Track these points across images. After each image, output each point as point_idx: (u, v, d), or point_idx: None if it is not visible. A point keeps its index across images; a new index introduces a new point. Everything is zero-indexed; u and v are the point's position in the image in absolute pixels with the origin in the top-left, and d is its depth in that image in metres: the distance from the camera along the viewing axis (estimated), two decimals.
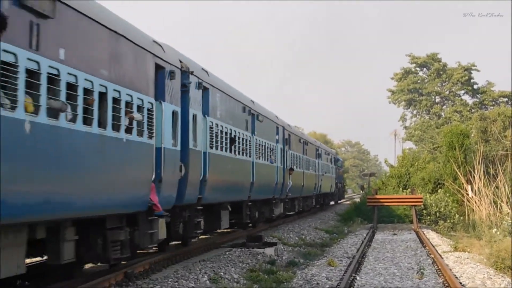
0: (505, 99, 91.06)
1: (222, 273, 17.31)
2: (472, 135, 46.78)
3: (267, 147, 29.82)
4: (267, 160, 29.70)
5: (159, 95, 15.90)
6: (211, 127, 20.46)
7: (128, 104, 13.75)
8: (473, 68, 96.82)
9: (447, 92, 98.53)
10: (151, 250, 19.99)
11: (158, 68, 15.85)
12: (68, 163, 11.37)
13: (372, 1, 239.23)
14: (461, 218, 37.30)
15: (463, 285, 15.73)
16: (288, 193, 35.04)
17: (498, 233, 26.48)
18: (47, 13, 10.55)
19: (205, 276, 16.42)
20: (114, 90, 13.06)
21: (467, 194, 36.64)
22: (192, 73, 18.39)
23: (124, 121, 13.50)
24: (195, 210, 19.90)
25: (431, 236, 30.89)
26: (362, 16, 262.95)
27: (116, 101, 13.15)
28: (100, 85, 12.44)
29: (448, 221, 37.78)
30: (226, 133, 22.33)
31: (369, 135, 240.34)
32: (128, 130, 13.74)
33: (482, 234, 27.51)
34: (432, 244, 26.05)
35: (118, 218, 14.19)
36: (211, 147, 20.44)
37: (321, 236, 32.07)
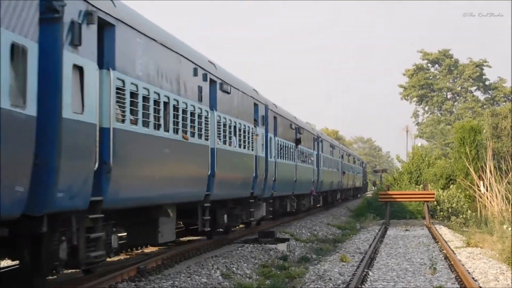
0: None
1: (234, 269, 17.37)
2: (483, 131, 46.68)
3: (336, 161, 53.71)
4: (336, 169, 53.58)
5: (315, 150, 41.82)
6: (317, 156, 42.89)
7: (312, 155, 38.75)
8: (484, 64, 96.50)
9: (459, 88, 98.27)
10: (165, 246, 20.07)
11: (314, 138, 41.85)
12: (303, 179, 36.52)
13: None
14: (473, 214, 37.22)
15: (475, 280, 15.73)
16: (342, 187, 58.78)
17: (509, 229, 26.43)
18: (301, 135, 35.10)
19: (218, 272, 16.47)
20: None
21: (479, 190, 36.58)
22: (320, 137, 43.81)
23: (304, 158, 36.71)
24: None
25: (444, 232, 30.86)
26: (372, 12, 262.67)
27: (306, 154, 38.02)
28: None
29: (461, 216, 37.71)
30: (309, 155, 41.03)
31: (381, 131, 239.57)
32: (306, 162, 37.07)
33: (494, 230, 27.47)
34: (444, 240, 26.04)
35: (303, 195, 37.25)
36: (320, 166, 43.77)
37: (333, 232, 32.09)
